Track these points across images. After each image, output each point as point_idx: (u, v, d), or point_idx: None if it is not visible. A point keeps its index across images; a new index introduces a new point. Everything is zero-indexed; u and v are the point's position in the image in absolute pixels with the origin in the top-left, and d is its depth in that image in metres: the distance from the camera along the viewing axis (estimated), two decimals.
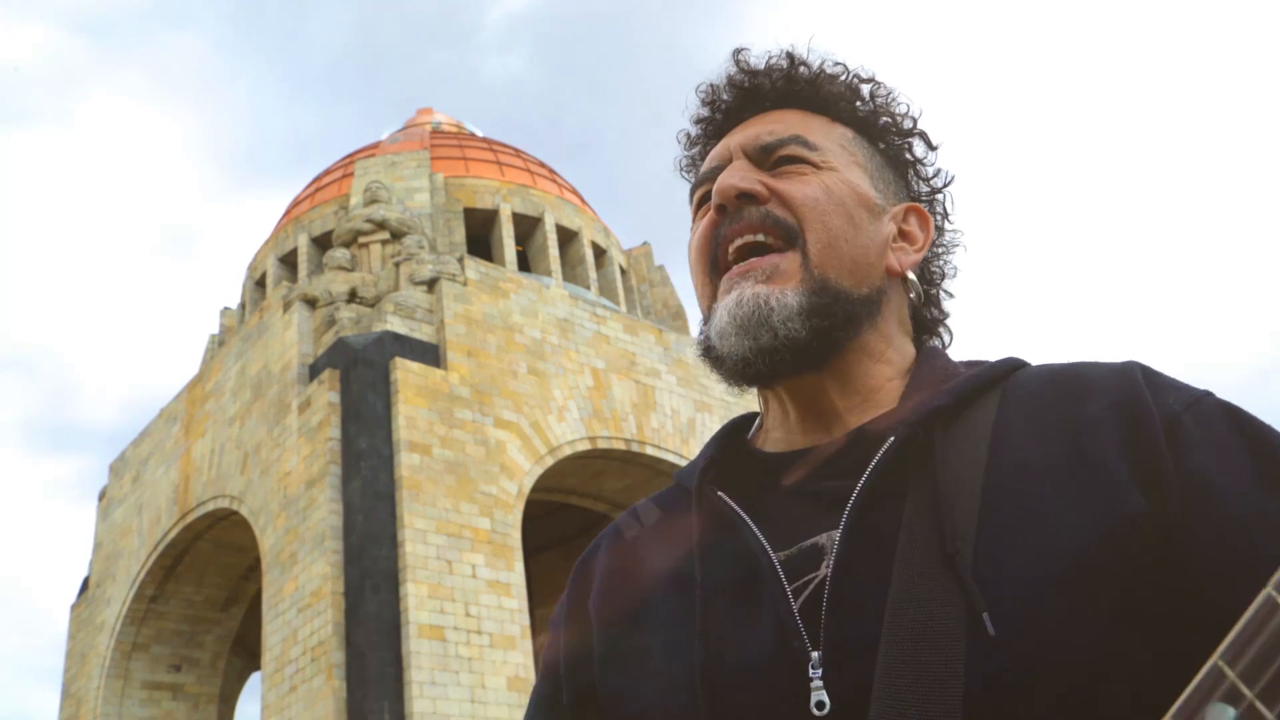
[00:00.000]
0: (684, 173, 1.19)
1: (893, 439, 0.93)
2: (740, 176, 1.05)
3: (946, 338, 1.17)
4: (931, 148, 1.16)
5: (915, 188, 1.15)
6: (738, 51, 1.14)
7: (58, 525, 78.01)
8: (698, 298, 1.10)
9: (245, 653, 22.40)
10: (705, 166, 1.12)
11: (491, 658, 15.48)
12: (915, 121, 1.15)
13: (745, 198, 1.04)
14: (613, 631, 1.02)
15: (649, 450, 19.31)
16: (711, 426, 19.87)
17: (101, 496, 23.33)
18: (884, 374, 1.04)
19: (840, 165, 1.07)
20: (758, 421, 1.12)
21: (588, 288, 22.63)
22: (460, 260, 19.22)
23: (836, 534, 0.91)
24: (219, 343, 23.49)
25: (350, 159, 24.52)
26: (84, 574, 23.10)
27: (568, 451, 18.39)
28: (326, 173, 24.89)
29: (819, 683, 0.84)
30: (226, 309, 24.47)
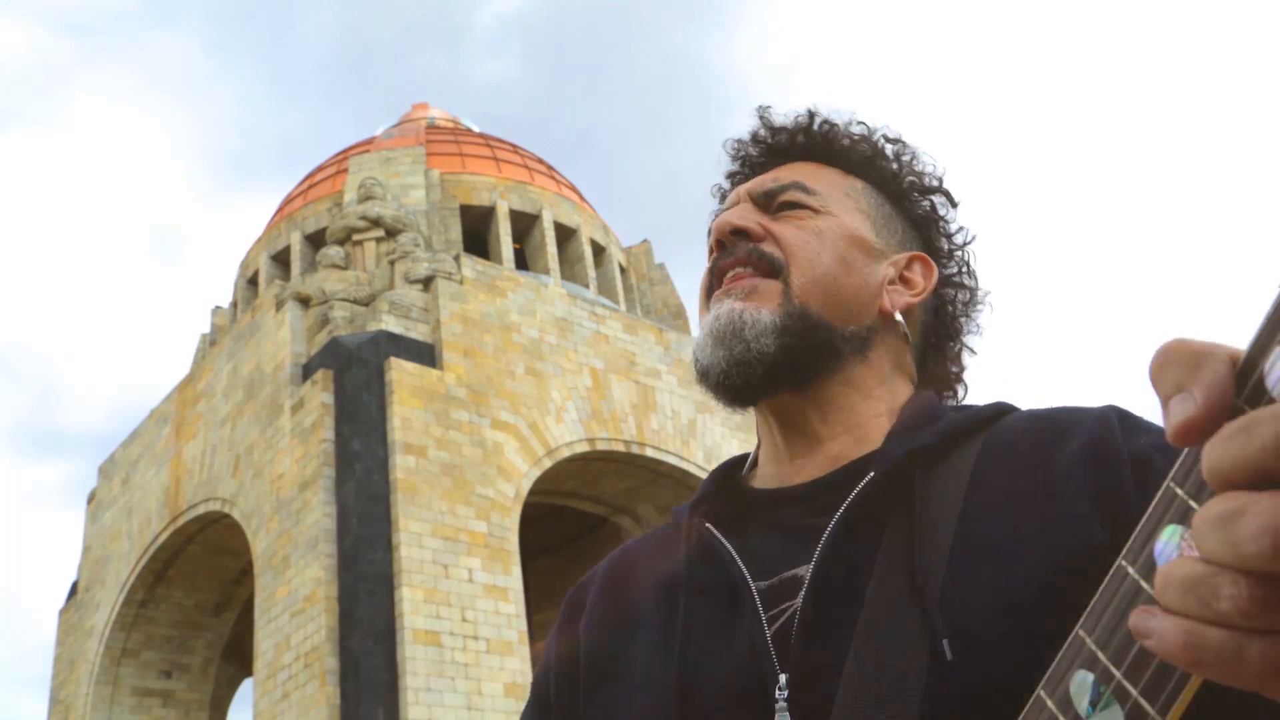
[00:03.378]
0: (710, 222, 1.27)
1: (871, 475, 0.97)
2: (739, 215, 1.13)
3: (960, 392, 1.21)
4: (953, 205, 1.22)
5: (938, 244, 1.21)
6: (763, 109, 1.23)
7: (45, 530, 77.89)
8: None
9: (237, 659, 22.29)
10: (719, 210, 1.22)
11: (488, 663, 15.43)
12: (940, 181, 1.21)
13: (740, 234, 1.12)
14: (599, 651, 1.08)
15: (649, 452, 19.24)
16: (713, 428, 19.81)
17: (90, 499, 23.22)
18: (871, 410, 1.09)
19: (839, 211, 1.14)
20: (752, 457, 1.18)
21: (586, 286, 22.56)
22: (456, 258, 19.17)
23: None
24: (210, 342, 23.35)
25: (344, 155, 24.37)
26: (72, 578, 23.01)
27: (566, 453, 18.32)
28: (320, 169, 24.74)
29: (783, 704, 0.89)
30: (218, 308, 24.35)
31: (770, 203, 1.15)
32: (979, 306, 1.21)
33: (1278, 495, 0.45)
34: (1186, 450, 0.50)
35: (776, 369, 1.05)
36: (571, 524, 22.31)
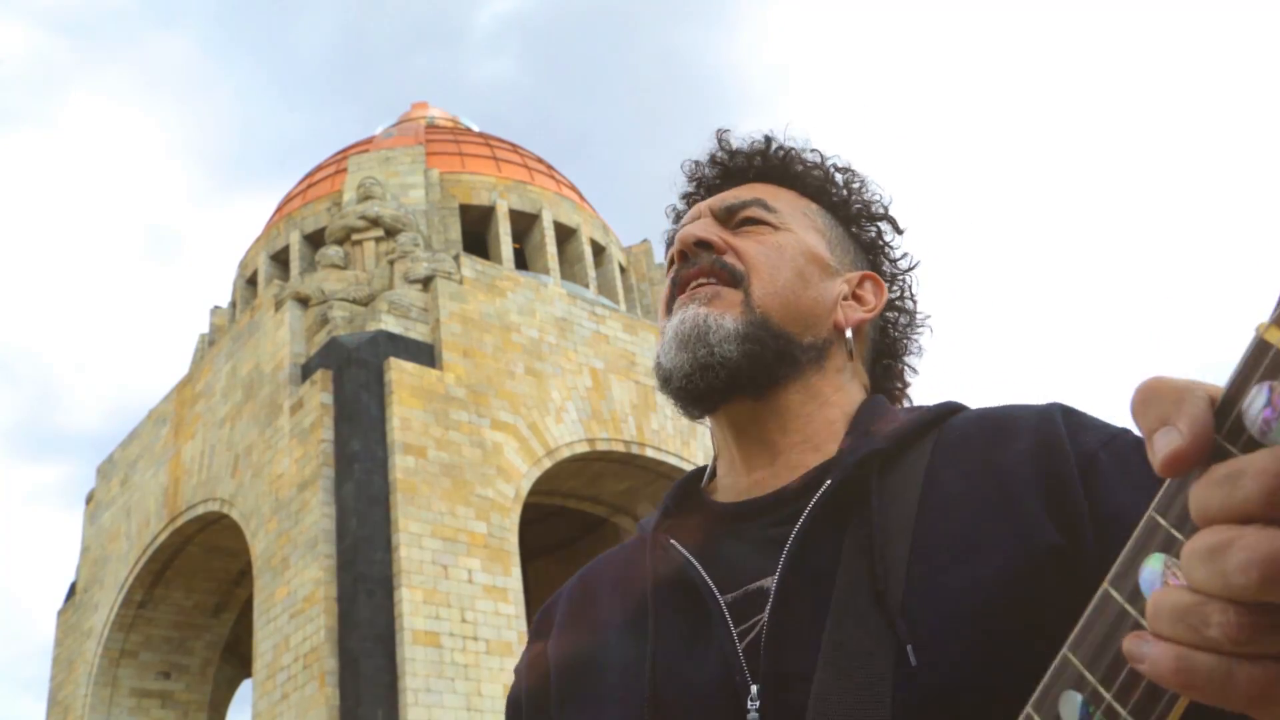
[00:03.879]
0: (668, 244, 1.28)
1: (828, 484, 0.99)
2: (701, 228, 1.17)
3: (905, 404, 1.24)
4: (899, 232, 1.26)
5: (883, 268, 1.25)
6: (720, 131, 1.27)
7: (43, 531, 77.86)
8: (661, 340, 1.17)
9: (236, 660, 22.26)
10: (680, 224, 1.24)
11: (488, 664, 15.42)
12: (886, 209, 1.26)
13: (702, 245, 1.15)
14: (570, 666, 1.09)
15: (649, 452, 19.21)
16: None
17: (89, 500, 23.18)
18: (827, 416, 1.11)
19: (797, 228, 1.18)
20: (710, 469, 1.19)
21: (586, 286, 22.52)
22: (456, 258, 19.13)
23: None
24: (209, 342, 23.32)
25: (343, 155, 24.33)
26: (71, 579, 22.98)
27: (566, 454, 18.29)
28: (319, 169, 24.70)
29: (755, 715, 0.91)
30: (217, 308, 24.32)
31: (731, 218, 1.19)
32: (920, 329, 1.27)
33: (1263, 530, 0.47)
34: (1167, 482, 0.53)
35: (738, 375, 1.08)
36: (571, 525, 22.27)
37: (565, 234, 23.31)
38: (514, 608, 16.12)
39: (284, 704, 15.43)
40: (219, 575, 20.73)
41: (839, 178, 1.26)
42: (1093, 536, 0.88)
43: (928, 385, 1.34)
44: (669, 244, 1.25)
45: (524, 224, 22.98)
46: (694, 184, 1.28)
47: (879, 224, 1.26)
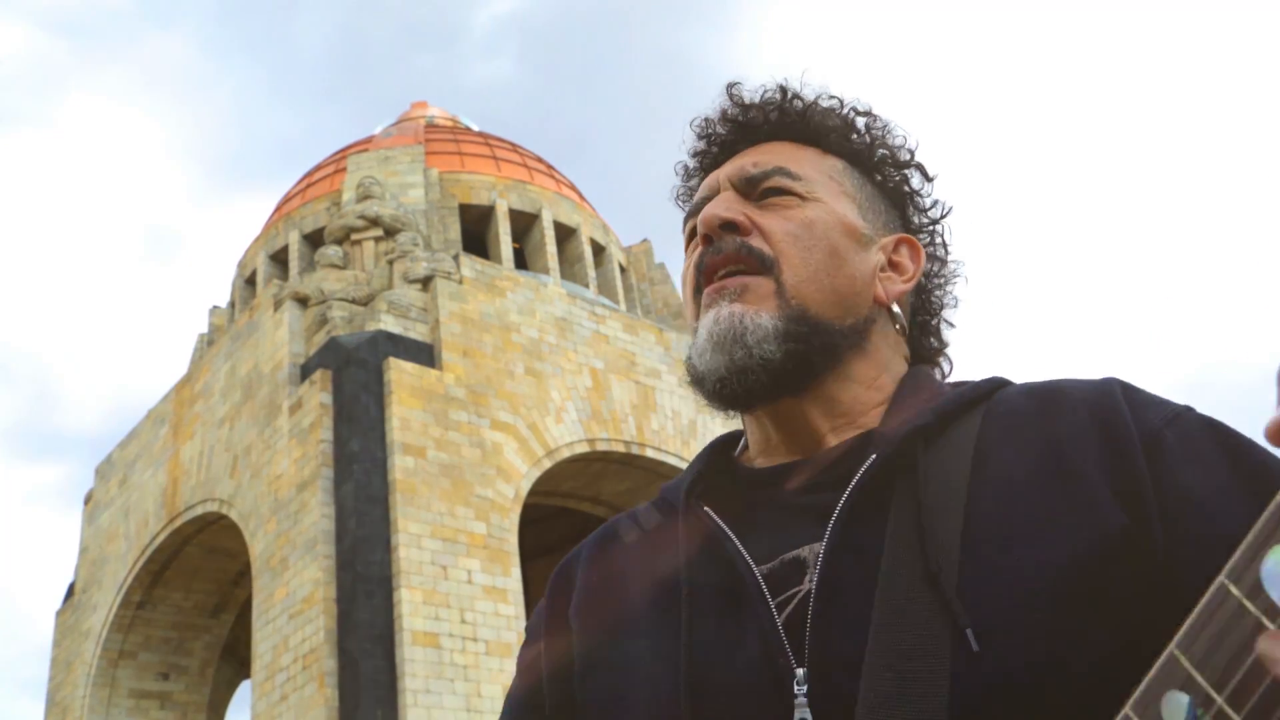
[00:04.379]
0: (680, 202, 1.22)
1: (874, 455, 0.94)
2: (725, 207, 1.08)
3: (946, 367, 1.18)
4: (928, 179, 1.18)
5: (913, 219, 1.17)
6: (731, 85, 1.18)
7: (42, 532, 77.86)
8: (689, 324, 1.11)
9: (235, 660, 22.24)
10: (696, 198, 1.16)
11: (488, 665, 15.41)
12: (912, 154, 1.17)
13: (728, 228, 1.07)
14: (595, 643, 1.03)
15: (649, 453, 19.18)
16: (713, 428, 19.73)
17: (87, 500, 23.15)
18: (872, 399, 1.05)
19: (826, 196, 1.10)
20: (743, 441, 1.13)
21: (586, 286, 22.48)
22: (455, 258, 19.10)
23: (819, 546, 0.92)
24: (208, 342, 23.30)
25: (342, 154, 24.29)
26: (69, 580, 22.94)
27: (566, 454, 18.26)
28: (318, 168, 24.66)
29: (803, 699, 0.85)
30: (216, 308, 24.29)
31: (753, 190, 1.10)
32: (956, 279, 1.19)
33: None
34: None
35: (782, 375, 1.01)
36: (571, 525, 22.22)
37: (565, 234, 23.28)
38: (514, 608, 16.11)
39: (283, 705, 15.41)
40: (218, 576, 20.70)
41: (860, 123, 1.16)
42: (1159, 518, 0.84)
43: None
44: (686, 213, 1.18)
45: (524, 224, 22.94)
46: (705, 142, 1.19)
47: (906, 171, 1.17)
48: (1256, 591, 0.49)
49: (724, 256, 1.06)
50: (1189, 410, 0.92)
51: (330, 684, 14.79)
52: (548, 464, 17.92)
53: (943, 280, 1.18)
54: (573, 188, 25.16)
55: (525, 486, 17.43)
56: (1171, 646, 0.54)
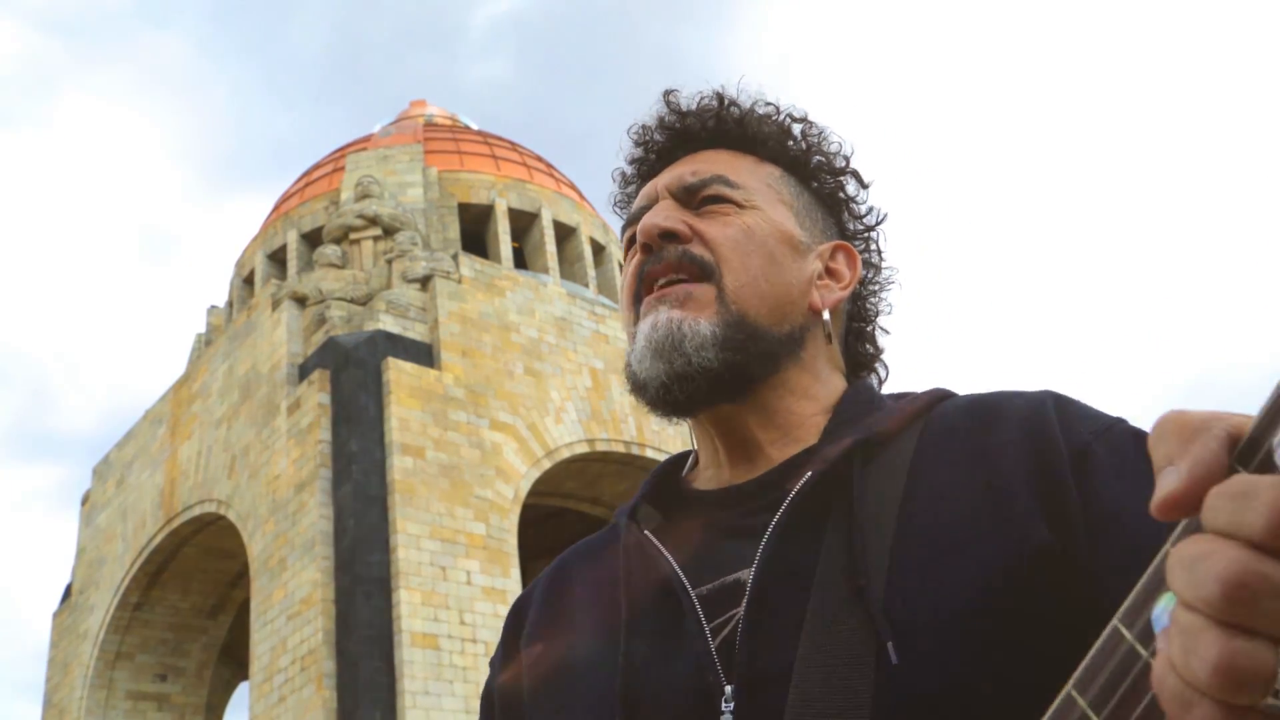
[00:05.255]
0: (617, 210, 1.23)
1: (808, 475, 0.95)
2: (664, 216, 1.08)
3: (882, 373, 1.19)
4: (863, 186, 1.19)
5: (849, 226, 1.18)
6: (668, 93, 1.18)
7: (39, 533, 77.83)
8: (625, 335, 1.12)
9: (233, 662, 22.22)
10: (635, 206, 1.16)
11: (487, 667, 15.25)
12: (847, 160, 1.18)
13: (667, 236, 1.07)
14: (541, 669, 1.05)
15: (649, 453, 19.16)
16: None
17: (84, 501, 23.13)
18: (808, 409, 1.06)
19: (764, 204, 1.10)
20: (692, 459, 1.15)
21: (586, 285, 22.44)
22: (454, 257, 19.09)
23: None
24: (206, 342, 23.23)
25: (341, 153, 24.24)
26: (66, 581, 22.92)
27: (565, 454, 18.25)
28: (316, 167, 24.61)
29: (730, 716, 0.87)
30: (214, 307, 24.24)
31: (692, 199, 1.11)
32: (891, 285, 1.20)
33: (1246, 549, 0.45)
34: (1185, 521, 0.50)
35: (719, 382, 1.02)
36: (571, 526, 22.20)
37: (565, 233, 23.25)
38: None
39: (281, 707, 15.39)
40: (216, 577, 20.67)
41: (796, 129, 1.17)
42: (1085, 534, 0.84)
43: (923, 376, 1.24)
44: (625, 221, 1.18)
45: (523, 223, 22.91)
46: (644, 149, 1.19)
47: (841, 178, 1.18)
48: (1147, 636, 0.51)
49: (665, 265, 1.07)
50: (1120, 422, 0.92)
51: (328, 685, 14.77)
52: (547, 464, 17.92)
53: (878, 287, 1.19)
54: (572, 187, 25.12)
55: (525, 487, 17.42)
56: (1069, 686, 0.55)
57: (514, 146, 24.94)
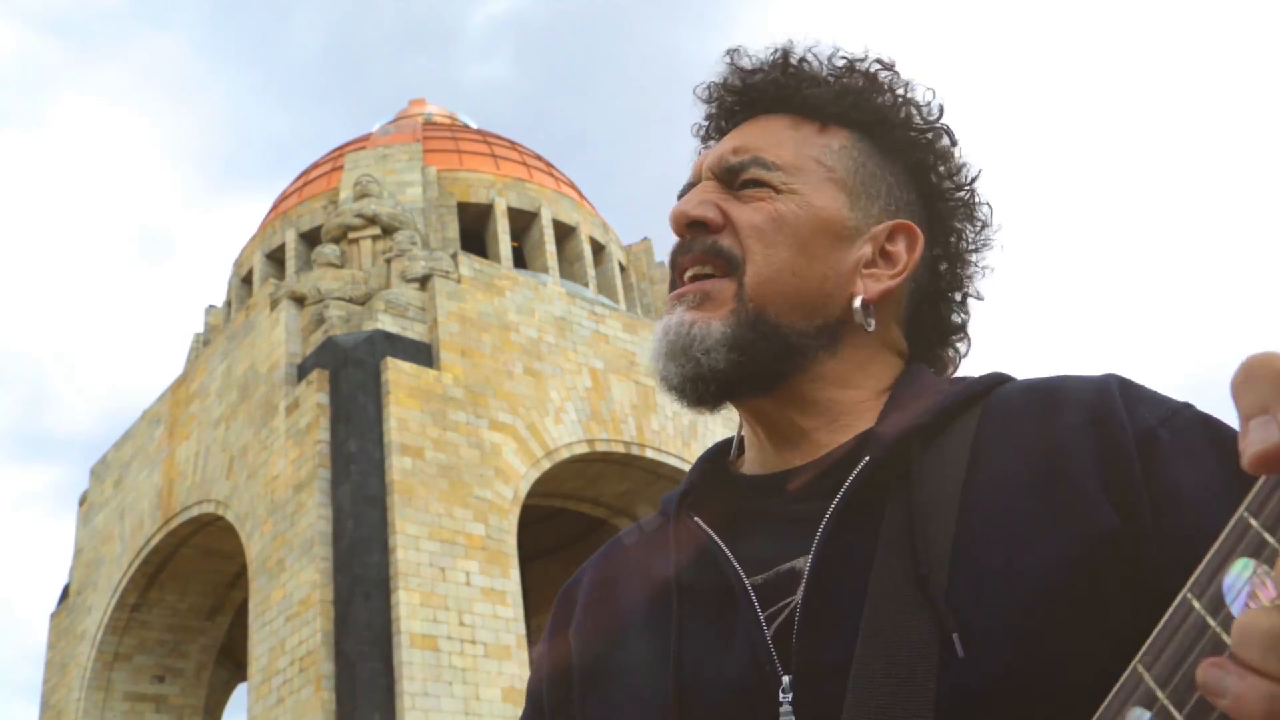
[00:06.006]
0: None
1: (866, 459, 0.93)
2: (695, 204, 1.06)
3: (963, 348, 1.14)
4: (954, 142, 1.11)
5: (938, 185, 1.10)
6: (731, 52, 1.14)
7: (36, 534, 77.86)
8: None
9: (231, 663, 22.20)
10: (684, 183, 1.14)
11: (486, 668, 15.40)
12: (940, 111, 1.10)
13: (696, 226, 1.05)
14: (591, 658, 1.04)
15: (649, 453, 19.13)
16: (714, 428, 19.70)
17: (82, 501, 23.09)
18: (856, 396, 1.03)
19: (804, 187, 1.05)
20: (736, 441, 1.12)
21: (586, 285, 22.43)
22: (454, 256, 19.05)
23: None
24: (204, 342, 23.22)
25: (340, 152, 24.21)
26: (63, 582, 22.85)
27: (565, 454, 18.21)
28: (315, 166, 24.58)
29: (788, 706, 0.85)
30: (212, 307, 24.24)
31: (733, 179, 1.07)
32: (986, 246, 1.12)
33: None
34: (1263, 479, 0.48)
35: (730, 383, 1.01)
36: (571, 526, 22.23)
37: (564, 232, 23.22)
38: (513, 610, 16.09)
39: (280, 708, 15.38)
40: (214, 578, 20.63)
41: (872, 87, 1.09)
42: (1152, 519, 0.82)
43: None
44: (679, 194, 1.14)
45: (522, 222, 22.88)
46: (712, 105, 1.15)
47: (926, 135, 1.09)
48: (1218, 606, 0.48)
49: (692, 256, 1.05)
50: (1187, 407, 0.89)
51: (327, 687, 14.75)
52: (547, 465, 17.88)
53: (974, 249, 1.11)
54: (572, 186, 25.08)
55: (524, 487, 17.39)
56: (1135, 661, 0.53)
57: (513, 145, 24.91)
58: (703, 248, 1.04)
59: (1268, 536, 0.47)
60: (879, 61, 1.10)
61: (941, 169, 1.10)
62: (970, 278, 1.12)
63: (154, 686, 20.43)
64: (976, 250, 1.12)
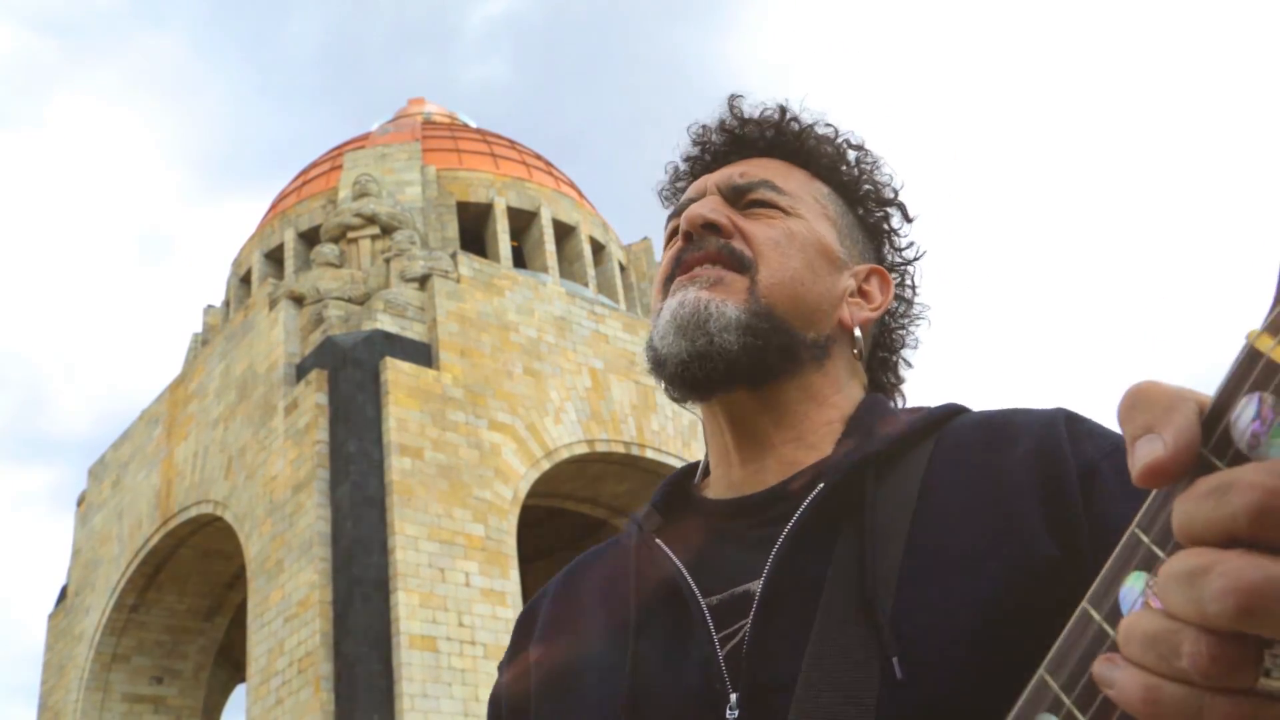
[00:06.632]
0: (665, 201, 1.25)
1: (821, 486, 0.96)
2: (710, 209, 1.11)
3: (900, 402, 1.21)
4: (908, 220, 1.22)
5: (888, 256, 1.21)
6: (733, 98, 1.21)
7: (34, 535, 77.86)
8: (654, 309, 1.14)
9: (230, 664, 22.20)
10: (683, 199, 1.19)
11: (486, 669, 15.42)
12: (896, 193, 1.22)
13: (710, 228, 1.10)
14: (549, 672, 1.07)
15: (649, 454, 19.10)
16: None
17: (80, 502, 23.06)
18: (824, 416, 1.08)
19: (808, 214, 1.13)
20: (702, 464, 1.17)
21: (585, 285, 22.41)
22: (453, 256, 19.03)
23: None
24: (202, 342, 23.19)
25: (339, 151, 24.18)
26: (61, 583, 22.83)
27: (565, 455, 18.19)
28: (314, 165, 24.55)
29: None
30: (210, 307, 24.22)
31: (739, 199, 1.14)
32: (919, 320, 1.23)
33: (1245, 555, 0.45)
34: (1152, 495, 0.52)
35: (737, 366, 1.04)
36: (570, 527, 22.21)
37: (564, 232, 23.20)
38: (512, 611, 16.10)
39: (278, 709, 15.37)
40: (212, 578, 20.61)
41: (851, 155, 1.21)
42: (1091, 550, 0.85)
43: (926, 385, 1.20)
44: (671, 212, 1.22)
45: (522, 222, 22.86)
46: (700, 149, 1.23)
47: (888, 209, 1.22)
48: (1114, 616, 0.51)
49: (703, 254, 1.09)
50: None
51: (326, 688, 14.73)
52: (546, 465, 17.87)
53: (907, 320, 1.22)
54: (572, 185, 25.06)
55: (524, 488, 17.37)
56: (1041, 669, 0.55)
57: (513, 145, 24.89)
58: (715, 246, 1.09)
59: (1158, 551, 0.50)
60: (852, 139, 1.21)
61: (895, 241, 1.22)
62: (904, 344, 1.23)
63: (152, 687, 20.40)
64: (913, 321, 1.23)
